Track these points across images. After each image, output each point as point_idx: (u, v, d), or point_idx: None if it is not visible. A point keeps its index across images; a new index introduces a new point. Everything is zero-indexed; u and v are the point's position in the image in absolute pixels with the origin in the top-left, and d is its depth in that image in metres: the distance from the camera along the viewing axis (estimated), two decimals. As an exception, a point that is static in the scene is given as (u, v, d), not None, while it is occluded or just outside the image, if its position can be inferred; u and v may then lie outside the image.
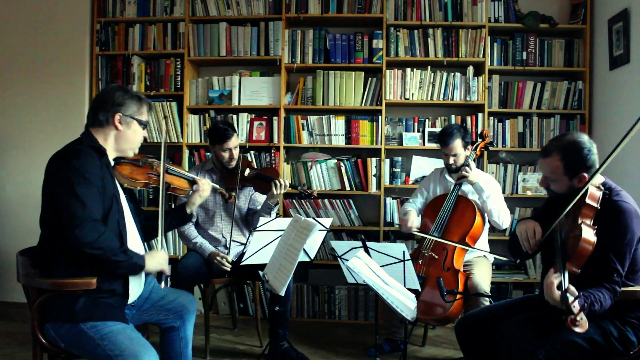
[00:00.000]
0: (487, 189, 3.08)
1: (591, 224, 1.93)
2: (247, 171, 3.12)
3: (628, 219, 1.94)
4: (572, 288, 1.75)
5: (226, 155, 3.17)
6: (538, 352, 1.91)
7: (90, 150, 2.02)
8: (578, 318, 1.66)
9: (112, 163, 2.15)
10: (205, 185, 2.53)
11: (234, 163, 3.18)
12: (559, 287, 1.77)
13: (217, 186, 2.83)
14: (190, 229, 3.20)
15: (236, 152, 3.20)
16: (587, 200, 1.95)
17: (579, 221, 1.92)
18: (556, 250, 1.93)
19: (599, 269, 1.92)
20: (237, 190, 3.16)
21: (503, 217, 3.09)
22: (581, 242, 1.86)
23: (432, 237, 2.98)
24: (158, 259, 2.09)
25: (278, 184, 3.04)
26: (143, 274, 2.15)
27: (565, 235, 1.97)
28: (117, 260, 1.93)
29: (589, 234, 1.88)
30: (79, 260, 1.93)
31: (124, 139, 2.12)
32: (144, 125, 2.16)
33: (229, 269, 3.05)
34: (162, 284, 2.15)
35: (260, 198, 3.28)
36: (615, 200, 1.98)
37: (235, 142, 3.18)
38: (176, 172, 2.52)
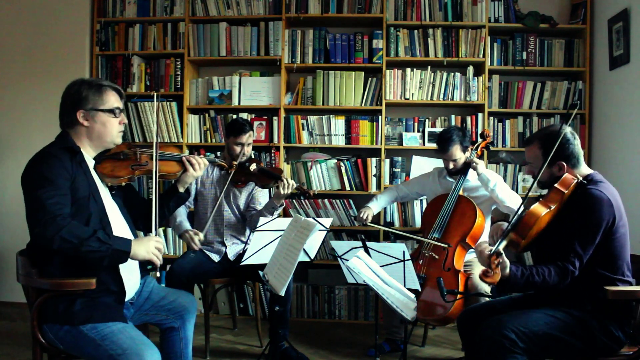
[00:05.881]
0: (493, 178, 3.09)
1: (554, 207, 2.03)
2: (253, 166, 3.13)
3: (596, 205, 2.01)
4: (501, 250, 1.93)
5: (238, 149, 3.20)
6: (515, 347, 1.93)
7: (60, 151, 1.96)
8: (490, 272, 1.87)
9: (92, 162, 2.09)
10: (200, 165, 2.35)
11: (243, 158, 3.21)
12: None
13: (217, 160, 2.80)
14: (179, 209, 3.19)
15: (248, 150, 3.24)
16: (556, 185, 2.07)
17: (540, 200, 2.06)
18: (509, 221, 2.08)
19: (559, 248, 2.02)
20: (231, 189, 3.18)
21: (515, 202, 3.08)
22: (527, 213, 2.01)
23: (384, 228, 3.15)
24: (147, 247, 1.94)
25: (284, 184, 3.02)
26: (137, 268, 2.13)
27: (523, 210, 2.10)
28: (92, 249, 1.81)
29: (537, 208, 2.02)
30: (68, 259, 1.92)
31: (95, 134, 2.04)
32: (113, 112, 2.05)
33: (196, 248, 3.04)
34: (157, 273, 2.03)
35: (261, 197, 3.29)
36: (588, 188, 2.06)
37: (249, 139, 3.23)
38: (163, 155, 2.32)
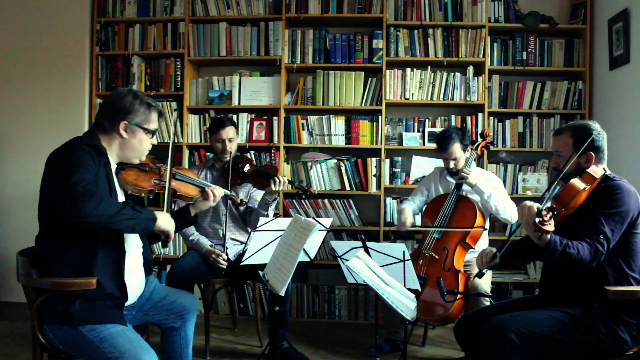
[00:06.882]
0: (487, 188, 3.07)
1: (588, 187, 2.05)
2: (247, 167, 3.12)
3: (624, 194, 2.06)
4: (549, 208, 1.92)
5: (219, 145, 3.18)
6: (515, 349, 1.93)
7: (87, 147, 1.98)
8: (546, 220, 1.83)
9: (115, 167, 2.11)
10: (216, 197, 2.45)
11: (227, 156, 3.16)
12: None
13: (230, 193, 2.81)
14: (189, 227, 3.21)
15: (231, 146, 3.19)
16: (588, 170, 2.10)
17: (577, 177, 2.10)
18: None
19: (587, 229, 2.03)
20: (230, 188, 3.16)
21: (510, 211, 3.07)
22: (568, 185, 2.05)
23: (432, 228, 3.03)
24: (168, 219, 2.05)
25: (277, 180, 3.00)
26: (142, 270, 2.15)
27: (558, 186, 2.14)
28: (127, 216, 1.87)
29: (576, 181, 2.05)
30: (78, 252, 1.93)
31: (128, 147, 2.07)
32: (152, 133, 2.11)
33: (224, 267, 3.05)
34: (167, 249, 2.10)
35: (259, 197, 3.28)
36: (615, 180, 2.11)
37: (230, 133, 3.18)
38: (185, 178, 2.44)
